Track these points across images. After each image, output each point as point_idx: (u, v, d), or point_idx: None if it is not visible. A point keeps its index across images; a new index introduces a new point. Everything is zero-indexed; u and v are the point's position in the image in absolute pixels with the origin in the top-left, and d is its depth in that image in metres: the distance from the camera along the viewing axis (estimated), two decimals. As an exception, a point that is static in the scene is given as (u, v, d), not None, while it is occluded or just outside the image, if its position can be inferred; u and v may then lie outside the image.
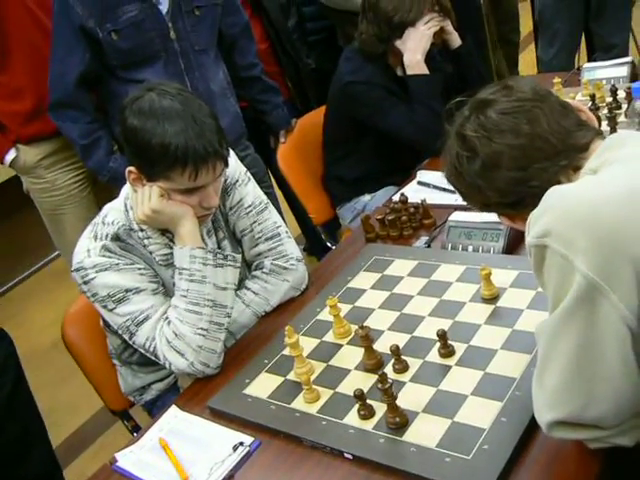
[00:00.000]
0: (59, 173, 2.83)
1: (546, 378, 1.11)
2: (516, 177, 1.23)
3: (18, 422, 2.06)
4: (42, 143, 2.79)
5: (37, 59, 2.64)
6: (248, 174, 1.94)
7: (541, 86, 1.30)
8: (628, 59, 2.65)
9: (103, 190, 2.88)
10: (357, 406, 1.40)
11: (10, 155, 2.77)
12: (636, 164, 1.13)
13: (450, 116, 1.34)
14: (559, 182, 1.20)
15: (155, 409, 1.93)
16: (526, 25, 4.89)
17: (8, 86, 2.69)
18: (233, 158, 1.84)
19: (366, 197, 2.74)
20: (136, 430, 1.97)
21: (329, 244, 2.79)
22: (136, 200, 1.69)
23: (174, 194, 1.66)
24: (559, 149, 1.21)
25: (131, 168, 1.67)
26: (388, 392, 1.32)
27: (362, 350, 1.54)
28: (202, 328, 1.66)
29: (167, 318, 1.69)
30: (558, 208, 1.08)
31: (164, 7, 2.40)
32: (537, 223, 1.09)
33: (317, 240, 3.04)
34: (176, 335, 1.66)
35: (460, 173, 1.30)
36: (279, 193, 3.27)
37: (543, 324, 1.13)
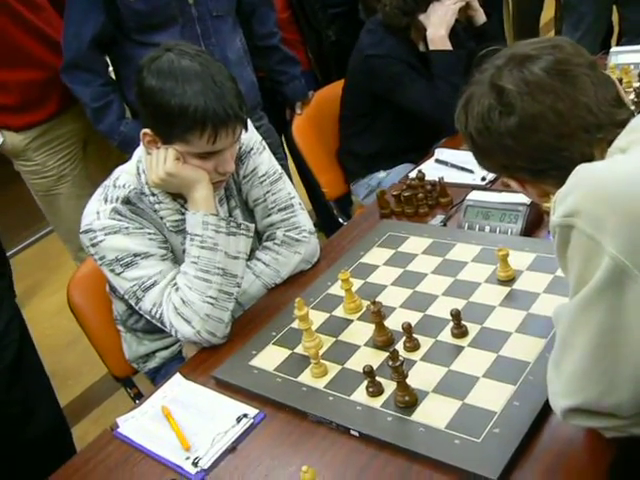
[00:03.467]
0: (48, 155, 2.79)
1: (564, 363, 1.07)
2: (551, 143, 1.14)
3: (24, 382, 2.06)
4: (28, 129, 2.76)
5: (18, 56, 2.60)
6: (263, 143, 1.90)
7: (587, 52, 1.21)
8: (658, 44, 2.59)
9: (93, 163, 2.90)
10: (365, 383, 1.37)
11: None
12: None
13: (479, 65, 1.24)
14: (592, 155, 1.13)
15: (158, 377, 1.91)
16: (549, 9, 4.81)
17: None
18: (249, 126, 1.80)
19: (381, 174, 2.71)
20: (138, 398, 1.94)
21: (341, 220, 2.75)
22: (150, 163, 1.66)
23: (190, 158, 1.62)
24: (600, 122, 1.13)
25: (146, 130, 1.63)
26: (399, 370, 1.29)
27: (372, 326, 1.50)
28: (211, 296, 1.63)
29: (175, 284, 1.66)
30: (587, 186, 1.02)
31: (183, -30, 2.35)
32: (564, 202, 1.03)
33: (328, 216, 3.00)
34: (184, 302, 1.63)
35: (487, 127, 1.19)
36: (292, 166, 3.23)
37: (563, 308, 1.09)
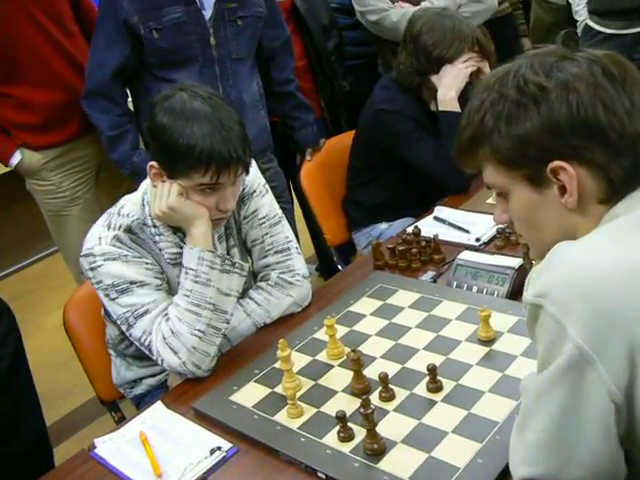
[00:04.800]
0: (64, 175, 2.84)
1: (527, 431, 1.09)
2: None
3: (13, 397, 2.09)
4: (47, 149, 2.82)
5: (46, 75, 2.69)
6: (267, 186, 1.96)
7: None
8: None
9: (104, 190, 2.96)
10: (338, 427, 1.40)
11: (15, 159, 2.78)
12: None
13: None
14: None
15: (143, 404, 1.94)
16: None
17: (18, 98, 2.70)
18: (254, 168, 1.86)
19: (383, 225, 2.75)
20: (122, 422, 1.97)
21: (340, 267, 2.80)
22: (154, 195, 1.72)
23: (193, 194, 1.68)
24: None
25: (153, 163, 1.70)
26: (369, 418, 1.33)
27: (352, 373, 1.55)
28: (199, 330, 1.68)
29: (166, 315, 1.71)
30: (560, 270, 1.04)
31: (208, 13, 2.44)
32: (536, 281, 1.06)
33: (329, 262, 3.04)
34: (173, 333, 1.68)
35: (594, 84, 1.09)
36: (298, 211, 3.29)
37: (529, 379, 1.12)
